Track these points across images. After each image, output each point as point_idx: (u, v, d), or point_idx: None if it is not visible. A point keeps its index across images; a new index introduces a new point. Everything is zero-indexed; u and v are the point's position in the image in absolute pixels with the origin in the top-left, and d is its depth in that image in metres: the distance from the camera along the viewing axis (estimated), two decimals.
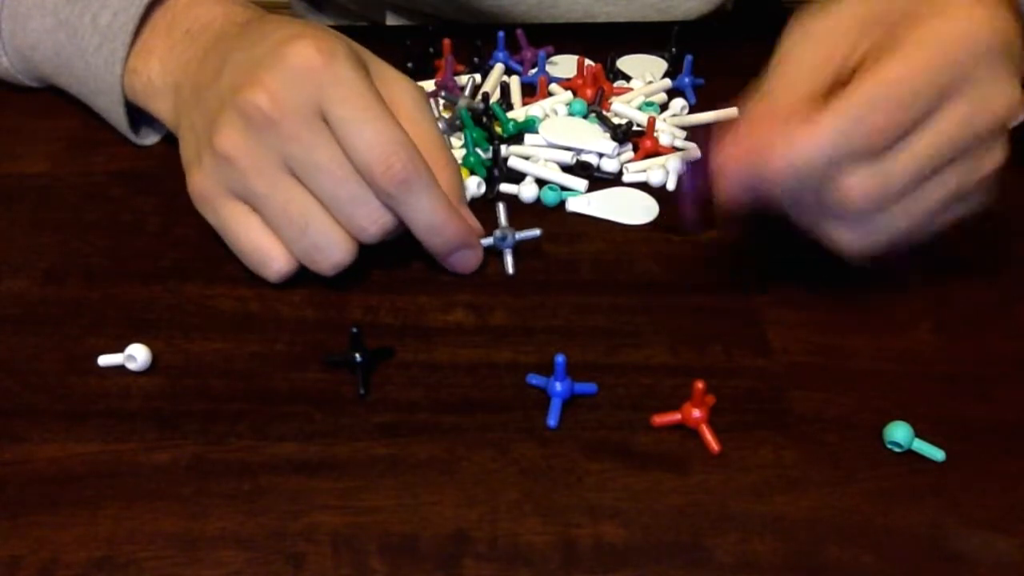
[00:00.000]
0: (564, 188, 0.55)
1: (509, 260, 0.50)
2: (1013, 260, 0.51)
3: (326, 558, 0.38)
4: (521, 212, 0.52)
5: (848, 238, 0.44)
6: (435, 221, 0.46)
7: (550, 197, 0.54)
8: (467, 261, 0.49)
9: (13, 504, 0.40)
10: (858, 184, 0.42)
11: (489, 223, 0.50)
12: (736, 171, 0.43)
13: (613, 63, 0.63)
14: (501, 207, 0.50)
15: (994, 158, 0.44)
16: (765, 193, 0.43)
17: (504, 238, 0.49)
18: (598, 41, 0.65)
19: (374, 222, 0.45)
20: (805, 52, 0.44)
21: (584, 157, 0.56)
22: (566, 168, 0.56)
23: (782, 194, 0.43)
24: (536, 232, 0.49)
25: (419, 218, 0.46)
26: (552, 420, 0.43)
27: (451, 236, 0.47)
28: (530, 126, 0.57)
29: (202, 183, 0.47)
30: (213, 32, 0.51)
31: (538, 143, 0.57)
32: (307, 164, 0.45)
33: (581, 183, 0.55)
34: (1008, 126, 0.44)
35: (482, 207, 0.51)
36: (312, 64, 0.44)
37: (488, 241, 0.49)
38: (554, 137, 0.56)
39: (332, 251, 0.46)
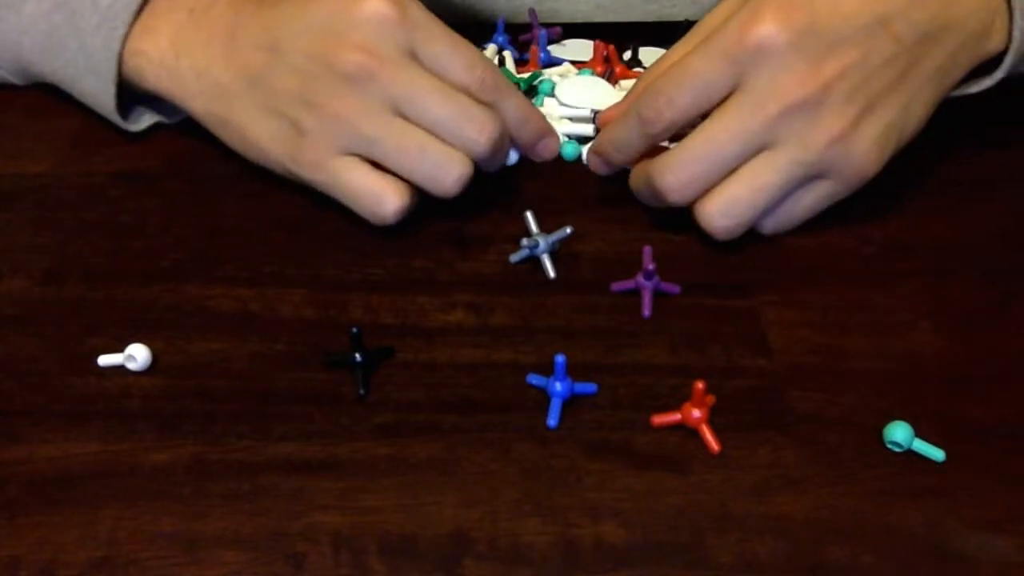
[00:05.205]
0: (581, 141, 0.57)
1: (548, 265, 0.50)
2: (1013, 260, 0.51)
3: (326, 558, 0.38)
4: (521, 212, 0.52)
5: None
6: (522, 113, 0.52)
7: (569, 151, 0.56)
8: (551, 147, 0.54)
9: (13, 504, 0.40)
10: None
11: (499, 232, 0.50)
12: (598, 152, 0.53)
13: (635, 53, 0.63)
14: (529, 215, 0.50)
15: (829, 124, 0.46)
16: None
17: (537, 245, 0.49)
18: (606, 39, 0.64)
19: (482, 131, 0.49)
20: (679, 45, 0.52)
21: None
22: (576, 119, 0.58)
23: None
24: (567, 231, 0.50)
25: (513, 115, 0.52)
26: (552, 420, 0.43)
27: (538, 123, 0.53)
28: (546, 90, 0.59)
29: (314, 151, 0.49)
30: (220, 12, 0.52)
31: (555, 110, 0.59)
32: (414, 98, 0.48)
33: (591, 128, 0.57)
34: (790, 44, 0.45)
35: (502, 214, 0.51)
36: (390, 15, 0.48)
37: (523, 253, 0.50)
38: (570, 99, 0.58)
39: (453, 165, 0.49)
